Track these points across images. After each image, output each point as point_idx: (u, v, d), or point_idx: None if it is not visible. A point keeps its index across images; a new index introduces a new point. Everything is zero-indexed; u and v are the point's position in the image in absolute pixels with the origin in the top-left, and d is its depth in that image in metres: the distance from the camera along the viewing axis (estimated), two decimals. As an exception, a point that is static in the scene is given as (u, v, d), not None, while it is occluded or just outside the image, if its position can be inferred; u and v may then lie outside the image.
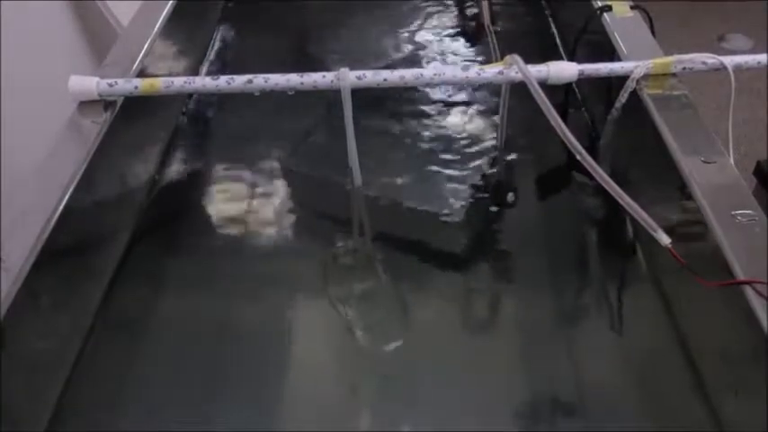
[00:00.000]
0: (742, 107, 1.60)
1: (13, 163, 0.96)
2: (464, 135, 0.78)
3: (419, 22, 1.00)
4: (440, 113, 0.81)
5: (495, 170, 0.73)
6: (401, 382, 0.54)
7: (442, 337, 0.58)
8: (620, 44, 0.70)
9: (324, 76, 0.64)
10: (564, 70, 0.63)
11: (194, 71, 0.90)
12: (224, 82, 0.64)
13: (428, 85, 0.70)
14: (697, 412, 0.51)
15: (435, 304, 0.62)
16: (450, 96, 0.83)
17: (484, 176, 0.71)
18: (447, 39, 0.96)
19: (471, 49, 0.94)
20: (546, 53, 0.85)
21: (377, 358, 0.56)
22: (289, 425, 0.52)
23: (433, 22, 1.00)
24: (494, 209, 0.69)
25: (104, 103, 0.65)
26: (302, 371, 0.56)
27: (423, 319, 0.60)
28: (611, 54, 0.71)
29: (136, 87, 0.65)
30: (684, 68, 0.64)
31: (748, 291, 0.45)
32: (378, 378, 0.55)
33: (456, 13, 1.02)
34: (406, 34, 0.97)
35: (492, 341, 0.58)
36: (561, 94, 0.78)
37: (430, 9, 1.02)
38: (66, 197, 0.55)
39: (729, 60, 0.63)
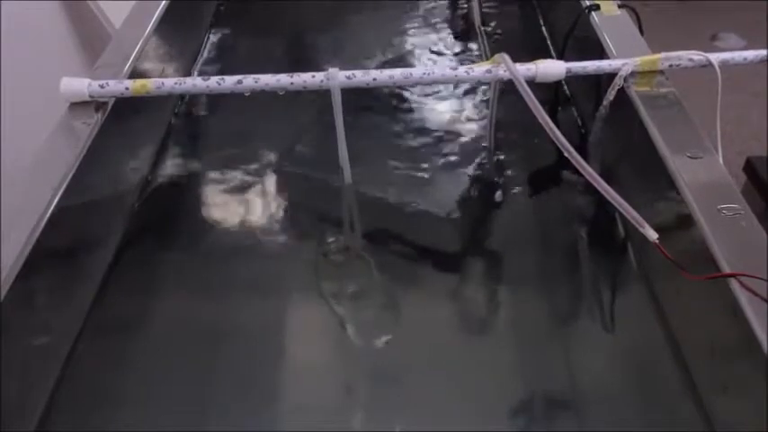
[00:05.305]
0: (736, 106, 1.61)
1: (4, 164, 0.96)
2: (454, 133, 0.78)
3: (411, 22, 1.00)
4: (430, 111, 0.82)
5: (484, 167, 0.73)
6: (393, 379, 0.55)
7: (433, 334, 0.58)
8: (608, 42, 0.71)
9: (313, 76, 0.64)
10: (552, 68, 0.64)
11: (187, 72, 0.90)
12: (214, 82, 0.65)
13: (417, 84, 0.71)
14: (687, 408, 0.51)
15: (426, 301, 0.62)
16: (441, 95, 0.84)
17: (473, 174, 0.72)
18: (438, 38, 0.96)
19: (462, 49, 0.94)
20: (536, 52, 0.85)
21: (369, 355, 0.56)
22: (282, 424, 0.52)
23: (424, 22, 1.00)
24: (483, 206, 0.70)
25: (96, 104, 0.66)
26: (295, 368, 0.56)
27: (414, 317, 0.60)
28: (599, 52, 0.71)
29: (127, 88, 0.65)
30: (671, 65, 0.65)
31: (734, 284, 0.45)
32: (370, 376, 0.55)
33: (447, 13, 1.02)
34: (398, 34, 0.97)
35: (483, 339, 0.58)
36: (551, 92, 0.79)
37: (421, 10, 1.03)
38: (57, 198, 0.55)
39: (715, 57, 0.63)
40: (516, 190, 0.71)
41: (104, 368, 0.56)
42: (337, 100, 0.64)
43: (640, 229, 0.51)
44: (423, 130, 0.78)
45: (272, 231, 0.69)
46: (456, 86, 0.84)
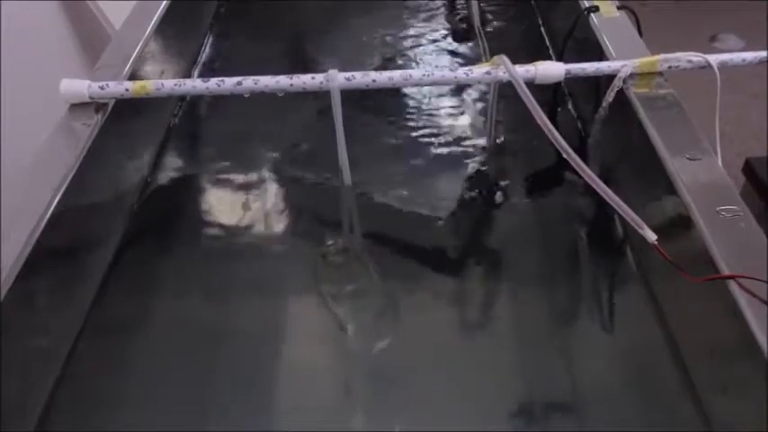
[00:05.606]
0: (735, 107, 1.61)
1: (4, 164, 0.96)
2: (454, 134, 0.78)
3: (410, 23, 1.00)
4: (430, 112, 0.82)
5: (483, 169, 0.73)
6: (393, 380, 0.55)
7: (433, 334, 0.58)
8: (607, 44, 0.71)
9: (313, 78, 0.64)
10: (551, 70, 0.64)
11: (187, 73, 0.90)
12: (214, 84, 0.65)
13: (417, 85, 0.71)
14: (686, 409, 0.51)
15: (426, 302, 0.62)
16: (441, 96, 0.84)
17: (473, 176, 0.72)
18: (437, 40, 0.96)
19: (461, 50, 0.94)
20: (535, 53, 0.85)
21: (368, 356, 0.56)
22: (281, 425, 0.52)
23: (424, 23, 1.00)
24: (483, 208, 0.70)
25: (96, 105, 0.66)
26: (293, 369, 0.56)
27: (414, 318, 0.60)
28: (598, 54, 0.71)
29: (127, 90, 0.65)
30: (670, 67, 0.65)
31: (733, 285, 0.46)
32: (370, 376, 0.55)
33: (446, 14, 1.02)
34: (398, 35, 0.98)
35: (483, 339, 0.59)
36: (550, 93, 0.79)
37: (421, 11, 1.03)
38: (57, 199, 0.56)
39: (714, 59, 0.64)
40: (516, 191, 0.71)
41: (104, 368, 0.57)
42: (337, 101, 0.64)
43: (639, 231, 0.51)
44: (422, 132, 0.79)
45: (272, 232, 0.69)
46: (455, 88, 0.84)
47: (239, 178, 0.75)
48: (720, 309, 0.47)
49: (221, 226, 0.69)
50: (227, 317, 0.60)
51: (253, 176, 0.75)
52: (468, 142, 0.77)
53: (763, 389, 0.42)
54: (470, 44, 0.95)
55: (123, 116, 0.69)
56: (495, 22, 0.99)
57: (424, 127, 0.79)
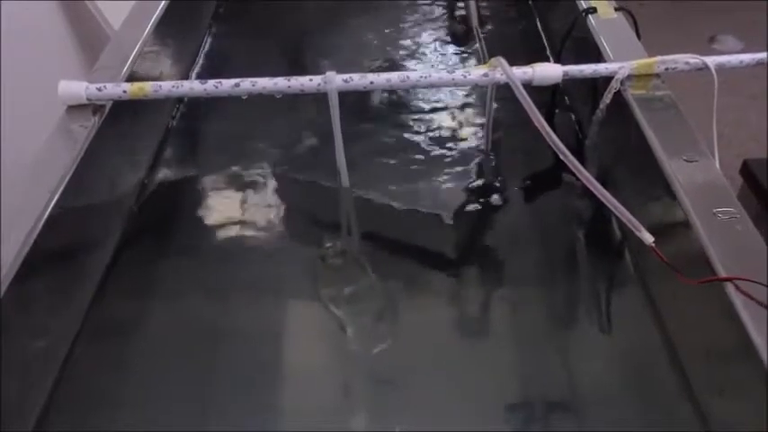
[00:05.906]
0: (734, 108, 1.61)
1: (4, 164, 0.96)
2: (452, 136, 0.78)
3: (409, 24, 1.00)
4: (427, 115, 0.82)
5: (481, 171, 0.73)
6: (392, 381, 0.55)
7: (431, 336, 0.59)
8: (605, 46, 0.71)
9: (311, 80, 0.64)
10: (548, 72, 0.64)
11: (185, 74, 0.90)
12: (212, 86, 0.65)
13: (414, 87, 0.71)
14: (684, 410, 0.51)
15: (425, 303, 0.62)
16: (439, 98, 0.84)
17: (470, 178, 0.72)
18: (435, 41, 0.96)
19: (459, 52, 0.94)
20: (533, 55, 0.86)
21: (367, 358, 0.56)
22: (281, 425, 0.52)
23: (423, 24, 1.00)
24: (481, 210, 0.70)
25: (93, 107, 0.66)
26: (294, 371, 0.56)
27: (412, 319, 0.60)
28: (596, 56, 0.71)
29: (124, 92, 0.65)
30: (667, 69, 0.65)
31: (730, 288, 0.46)
32: (369, 380, 0.55)
33: (445, 15, 1.02)
34: (396, 36, 0.98)
35: (482, 341, 0.59)
36: (548, 95, 0.79)
37: (419, 12, 1.03)
38: (54, 201, 0.56)
39: (712, 60, 0.64)
40: (513, 193, 0.71)
41: (103, 368, 0.57)
42: (334, 103, 0.64)
43: (636, 233, 0.51)
44: (420, 134, 0.79)
45: (270, 235, 0.69)
46: (453, 89, 0.84)
47: (237, 180, 0.75)
48: (717, 311, 0.47)
49: (220, 227, 0.70)
50: (225, 318, 0.60)
51: (251, 178, 0.75)
52: (465, 144, 0.77)
53: (760, 390, 0.42)
54: (468, 45, 0.95)
55: (121, 118, 0.69)
56: (493, 24, 0.99)
57: (422, 129, 0.79)
